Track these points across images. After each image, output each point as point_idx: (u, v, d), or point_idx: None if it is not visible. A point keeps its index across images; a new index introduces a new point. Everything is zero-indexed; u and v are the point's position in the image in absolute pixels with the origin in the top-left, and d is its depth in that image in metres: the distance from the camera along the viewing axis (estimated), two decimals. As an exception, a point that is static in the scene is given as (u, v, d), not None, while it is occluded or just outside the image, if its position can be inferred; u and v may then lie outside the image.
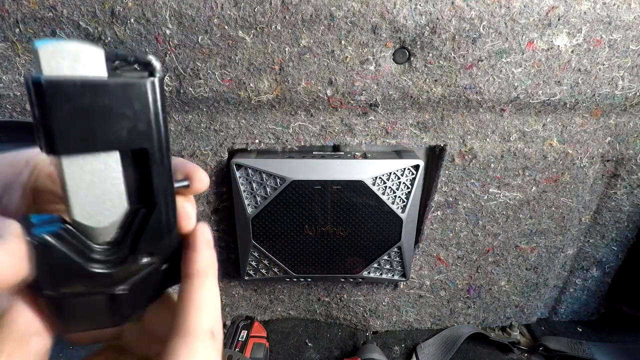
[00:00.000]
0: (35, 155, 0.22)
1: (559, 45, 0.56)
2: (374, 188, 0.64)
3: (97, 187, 0.18)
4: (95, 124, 0.17)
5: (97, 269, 0.18)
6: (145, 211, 0.20)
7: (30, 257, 0.16)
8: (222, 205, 0.71)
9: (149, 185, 0.19)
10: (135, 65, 0.18)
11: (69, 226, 0.18)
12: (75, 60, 0.16)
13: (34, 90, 0.15)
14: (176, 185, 0.21)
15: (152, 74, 0.18)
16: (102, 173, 0.18)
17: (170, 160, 0.20)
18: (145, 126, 0.18)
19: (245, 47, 0.55)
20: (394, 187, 0.66)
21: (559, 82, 0.59)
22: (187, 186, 0.22)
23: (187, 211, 0.22)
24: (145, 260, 0.20)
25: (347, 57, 0.57)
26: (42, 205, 0.21)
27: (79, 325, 0.19)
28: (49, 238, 0.17)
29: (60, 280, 0.17)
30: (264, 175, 0.64)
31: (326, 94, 0.60)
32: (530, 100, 0.61)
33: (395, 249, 0.71)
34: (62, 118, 0.16)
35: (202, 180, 0.22)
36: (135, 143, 0.18)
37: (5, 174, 0.21)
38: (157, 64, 0.18)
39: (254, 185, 0.65)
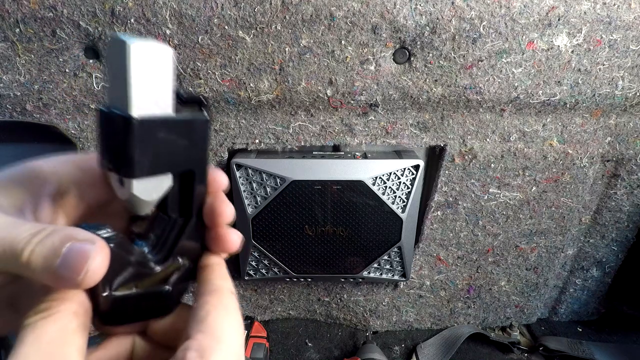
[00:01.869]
0: (54, 165, 0.22)
1: (559, 46, 0.56)
2: (374, 188, 0.64)
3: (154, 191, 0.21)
4: (162, 152, 0.20)
5: (147, 270, 0.21)
6: (184, 220, 0.23)
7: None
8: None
9: (189, 200, 0.22)
10: (188, 103, 0.21)
11: (120, 234, 0.20)
12: (157, 62, 0.19)
13: (122, 126, 0.18)
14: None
15: (202, 110, 0.22)
16: (159, 188, 0.21)
17: (208, 182, 0.23)
18: (197, 153, 0.22)
19: (245, 47, 0.55)
20: (394, 187, 0.66)
21: (559, 82, 0.59)
22: None
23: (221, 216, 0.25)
24: (180, 261, 0.23)
25: (347, 57, 0.57)
26: (67, 211, 0.22)
27: (128, 320, 0.21)
28: (112, 245, 0.19)
29: (117, 281, 0.20)
30: (264, 175, 0.64)
31: (326, 94, 0.60)
32: (530, 100, 0.61)
33: (395, 249, 0.71)
34: (143, 147, 0.19)
35: (216, 180, 0.24)
36: (188, 166, 0.21)
37: (30, 184, 0.22)
38: (207, 103, 0.22)
39: (254, 185, 0.65)
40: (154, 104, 0.19)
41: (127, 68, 0.18)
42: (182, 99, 0.21)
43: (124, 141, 0.18)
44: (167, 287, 0.22)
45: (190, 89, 0.58)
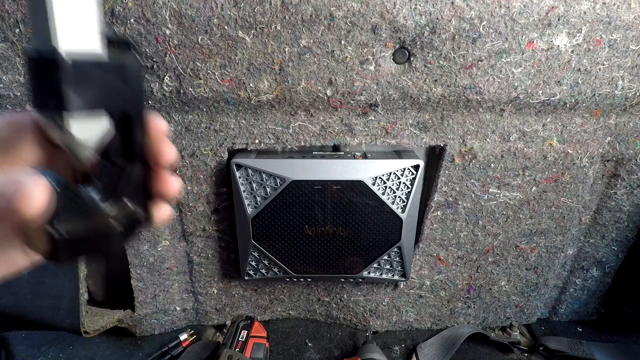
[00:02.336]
0: None
1: (558, 45, 0.56)
2: (374, 188, 0.64)
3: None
4: (93, 91, 0.20)
5: (96, 213, 0.23)
6: (128, 166, 0.24)
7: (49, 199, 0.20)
8: (222, 205, 0.71)
9: (129, 145, 0.23)
10: (117, 45, 0.22)
11: (68, 180, 0.21)
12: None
13: (51, 61, 0.18)
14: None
15: (132, 53, 0.22)
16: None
17: (148, 126, 0.24)
18: (131, 97, 0.22)
19: (245, 47, 0.55)
20: (394, 187, 0.66)
21: (559, 82, 0.59)
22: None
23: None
24: (130, 206, 0.24)
25: (347, 57, 0.57)
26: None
27: (78, 256, 0.23)
28: (58, 187, 0.20)
29: (67, 219, 0.21)
30: (264, 175, 0.64)
31: (326, 94, 0.60)
32: (530, 100, 0.61)
33: (395, 249, 0.71)
34: (72, 82, 0.19)
35: (155, 124, 0.25)
36: (124, 108, 0.22)
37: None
38: (136, 46, 0.22)
39: (254, 185, 0.65)
40: (81, 41, 0.19)
41: (46, 2, 0.18)
42: (111, 41, 0.21)
43: (54, 76, 0.18)
44: (116, 227, 0.23)
45: (190, 89, 0.58)
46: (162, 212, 0.28)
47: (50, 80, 0.19)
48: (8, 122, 0.23)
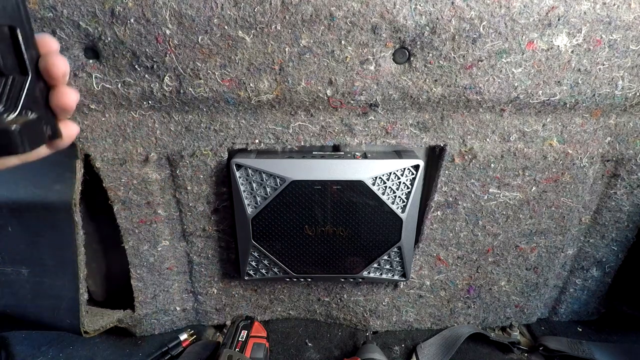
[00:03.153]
0: None
1: (559, 46, 0.56)
2: (374, 188, 0.65)
3: None
4: None
5: None
6: (22, 77, 0.26)
7: None
8: (222, 205, 0.71)
9: (21, 58, 0.25)
10: None
11: None
12: None
13: None
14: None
15: None
16: None
17: (35, 40, 0.26)
18: (14, 11, 0.23)
19: (245, 47, 0.55)
20: (394, 187, 0.66)
21: (559, 82, 0.59)
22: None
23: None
24: (30, 115, 0.26)
25: (347, 57, 0.57)
26: None
27: None
28: None
29: None
30: (264, 175, 0.64)
31: (326, 94, 0.60)
32: (530, 100, 0.61)
33: (395, 249, 0.71)
34: None
35: (45, 41, 0.27)
36: (8, 22, 0.23)
37: None
38: None
39: (254, 185, 0.65)
40: None
41: None
42: None
43: None
44: (13, 126, 0.25)
45: (190, 89, 0.58)
46: (68, 129, 0.30)
47: None
48: None
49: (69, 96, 0.28)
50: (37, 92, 0.27)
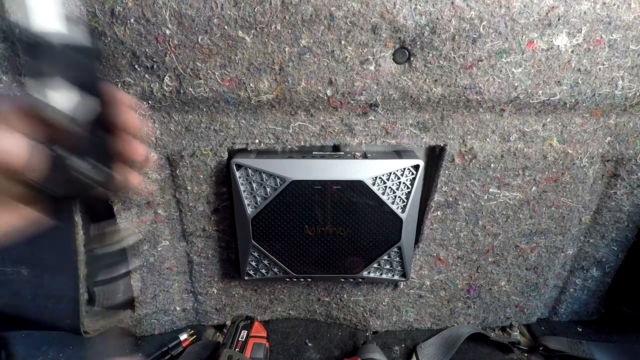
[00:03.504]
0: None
1: (558, 45, 0.56)
2: (374, 188, 0.64)
3: None
4: (56, 64, 0.23)
5: (68, 168, 0.26)
6: (98, 131, 0.27)
7: None
8: (222, 205, 0.71)
9: (98, 115, 0.27)
10: (80, 26, 0.25)
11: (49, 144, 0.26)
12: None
13: (28, 35, 0.22)
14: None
15: (92, 37, 0.25)
16: None
17: (112, 98, 0.27)
18: (92, 75, 0.25)
19: (245, 47, 0.55)
20: (394, 187, 0.66)
21: (559, 82, 0.59)
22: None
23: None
24: (97, 165, 0.28)
25: (347, 57, 0.57)
26: None
27: (59, 205, 0.27)
28: (39, 143, 0.25)
29: (45, 174, 0.25)
30: (263, 175, 0.64)
31: (326, 94, 0.60)
32: (530, 100, 0.61)
33: (395, 249, 0.71)
34: (32, 56, 0.23)
35: (119, 99, 0.29)
36: (91, 85, 0.26)
37: None
38: (97, 32, 0.25)
39: (254, 185, 0.65)
40: (48, 22, 0.23)
41: None
42: (75, 22, 0.25)
43: (22, 49, 0.23)
44: (87, 182, 0.27)
45: (190, 89, 0.58)
46: (132, 178, 0.31)
47: (26, 48, 0.23)
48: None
49: (137, 149, 0.30)
50: (106, 144, 0.29)
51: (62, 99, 0.26)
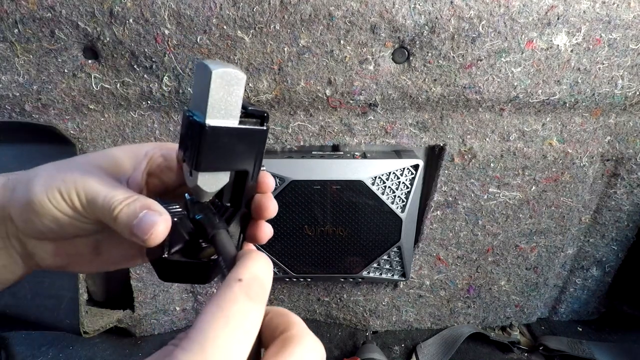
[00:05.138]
0: (151, 149, 0.29)
1: (558, 45, 0.56)
2: (374, 188, 0.64)
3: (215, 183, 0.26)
4: (226, 154, 0.24)
5: (198, 244, 0.26)
6: (234, 209, 0.28)
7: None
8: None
9: (240, 193, 0.27)
10: (252, 116, 0.25)
11: (184, 212, 0.26)
12: (232, 89, 0.23)
13: (198, 130, 0.23)
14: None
15: (263, 123, 0.25)
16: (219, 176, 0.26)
17: (257, 178, 0.28)
18: (252, 157, 0.26)
19: (244, 47, 0.55)
20: (393, 187, 0.66)
21: (558, 81, 0.59)
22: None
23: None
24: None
25: (346, 56, 0.56)
26: (149, 186, 0.29)
27: (175, 279, 0.26)
28: (176, 219, 0.25)
29: (174, 248, 0.25)
30: (263, 175, 0.64)
31: (325, 93, 0.60)
32: (530, 100, 0.61)
33: (395, 249, 0.71)
34: (211, 149, 0.23)
35: (265, 182, 0.29)
36: (244, 166, 0.26)
37: (132, 160, 0.28)
38: (267, 116, 0.26)
39: (254, 185, 0.65)
40: (224, 115, 0.23)
41: (208, 88, 0.22)
42: (247, 112, 0.25)
43: (196, 142, 0.23)
44: (207, 261, 0.26)
45: (189, 89, 0.58)
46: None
47: (194, 139, 0.23)
48: (162, 150, 0.29)
49: (266, 233, 0.29)
50: (241, 224, 0.29)
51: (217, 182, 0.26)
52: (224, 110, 0.23)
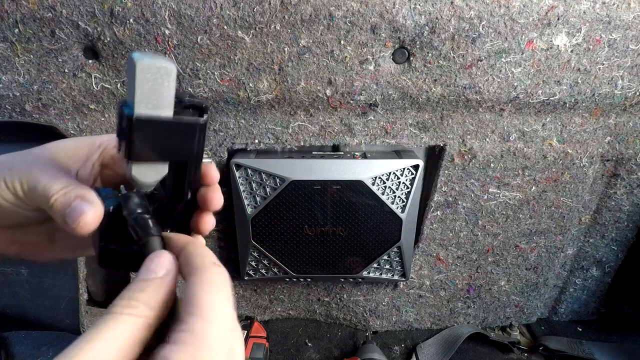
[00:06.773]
0: (105, 141, 0.30)
1: (558, 45, 0.56)
2: (374, 188, 0.64)
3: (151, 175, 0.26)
4: (160, 145, 0.25)
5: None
6: (175, 201, 0.28)
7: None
8: (222, 205, 0.71)
9: (181, 186, 0.28)
10: (190, 108, 0.25)
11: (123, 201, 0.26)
12: (162, 80, 0.23)
13: (127, 121, 0.23)
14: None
15: (202, 115, 0.25)
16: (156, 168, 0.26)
17: (200, 170, 0.28)
18: (190, 149, 0.26)
19: (244, 47, 0.55)
20: (393, 187, 0.66)
21: (558, 81, 0.59)
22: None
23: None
24: (168, 232, 0.27)
25: (346, 57, 0.57)
26: (104, 177, 0.30)
27: (117, 267, 0.26)
28: (112, 207, 0.25)
29: (113, 237, 0.25)
30: (263, 175, 0.64)
31: (325, 93, 0.60)
32: (530, 100, 0.61)
33: (395, 249, 0.71)
34: (141, 139, 0.24)
35: (209, 174, 0.29)
36: (182, 159, 0.26)
37: (85, 151, 0.29)
38: (205, 109, 0.26)
39: (254, 185, 0.65)
40: (154, 107, 0.23)
41: (134, 80, 0.22)
42: (184, 104, 0.25)
43: (127, 132, 0.23)
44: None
45: (189, 89, 0.58)
46: None
47: (125, 130, 0.24)
48: (90, 142, 0.30)
49: (209, 224, 0.30)
50: (184, 216, 0.29)
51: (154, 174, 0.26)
52: (154, 101, 0.23)
